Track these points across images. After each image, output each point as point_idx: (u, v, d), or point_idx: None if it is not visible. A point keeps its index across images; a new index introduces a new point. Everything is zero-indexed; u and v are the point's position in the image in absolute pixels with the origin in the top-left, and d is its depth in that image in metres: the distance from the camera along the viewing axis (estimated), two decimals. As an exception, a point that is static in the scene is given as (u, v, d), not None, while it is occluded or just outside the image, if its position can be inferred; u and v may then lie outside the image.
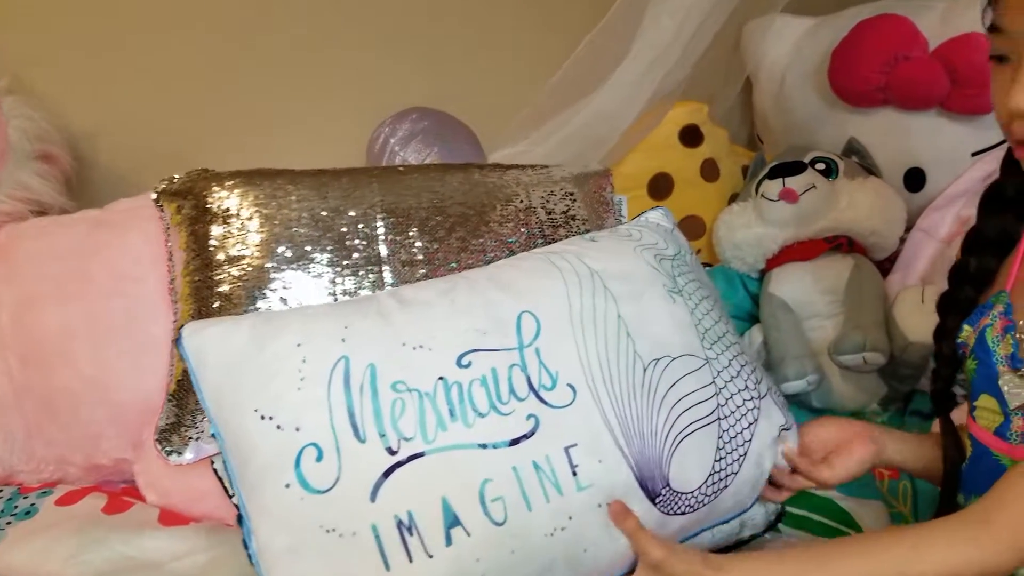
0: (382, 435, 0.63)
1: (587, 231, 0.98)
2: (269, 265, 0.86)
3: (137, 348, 0.94)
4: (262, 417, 0.64)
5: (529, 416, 0.66)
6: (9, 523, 0.89)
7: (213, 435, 0.67)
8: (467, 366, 0.66)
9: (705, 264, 1.48)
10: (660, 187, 1.46)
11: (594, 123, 1.19)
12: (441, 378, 0.65)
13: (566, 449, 0.66)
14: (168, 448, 0.80)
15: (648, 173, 1.45)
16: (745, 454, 0.75)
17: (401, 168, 0.98)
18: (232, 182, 0.92)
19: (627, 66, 1.17)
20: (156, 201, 0.95)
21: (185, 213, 0.92)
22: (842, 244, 1.29)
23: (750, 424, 0.75)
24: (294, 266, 0.86)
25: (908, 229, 1.37)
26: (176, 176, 0.96)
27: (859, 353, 1.15)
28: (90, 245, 0.97)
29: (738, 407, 0.75)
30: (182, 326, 0.68)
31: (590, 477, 0.66)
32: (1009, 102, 0.64)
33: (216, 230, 0.88)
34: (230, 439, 0.66)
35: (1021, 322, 0.74)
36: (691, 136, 1.47)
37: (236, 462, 0.66)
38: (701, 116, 1.49)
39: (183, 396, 0.82)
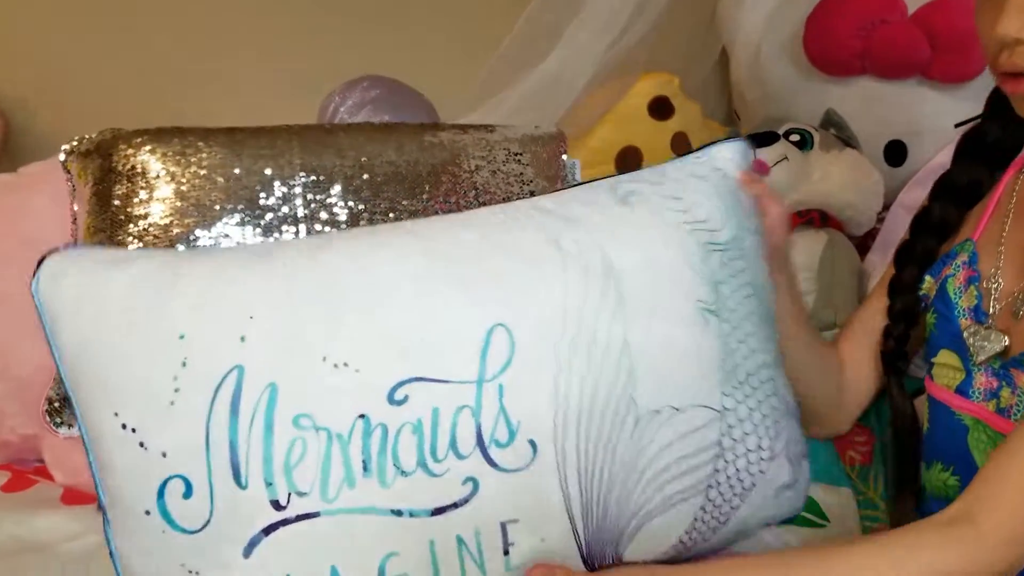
0: (269, 484, 0.50)
1: (531, 194, 0.91)
2: (173, 224, 0.79)
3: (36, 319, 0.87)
4: (123, 426, 0.51)
5: (467, 480, 0.52)
6: (-103, 502, 0.83)
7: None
8: (400, 402, 0.51)
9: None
10: (628, 161, 1.39)
11: (549, 87, 1.13)
12: (362, 416, 0.50)
13: (503, 524, 0.53)
14: (58, 420, 0.74)
15: (616, 146, 1.38)
16: (724, 522, 0.61)
17: (327, 126, 0.91)
18: (140, 139, 0.85)
19: (578, 25, 1.10)
20: (63, 162, 0.89)
21: (90, 173, 0.85)
22: (814, 218, 1.22)
23: (744, 490, 0.61)
24: (201, 227, 0.79)
25: (888, 206, 1.30)
26: (87, 136, 0.89)
27: (830, 331, 1.08)
28: (-6, 207, 0.91)
29: (737, 472, 0.60)
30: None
31: (524, 556, 0.54)
32: (996, 29, 0.61)
33: (119, 189, 0.82)
34: (88, 431, 0.54)
35: (992, 269, 0.69)
36: (661, 109, 1.41)
37: (95, 457, 0.54)
38: (672, 88, 1.42)
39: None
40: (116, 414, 0.51)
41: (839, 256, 1.19)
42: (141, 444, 0.51)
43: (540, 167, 0.96)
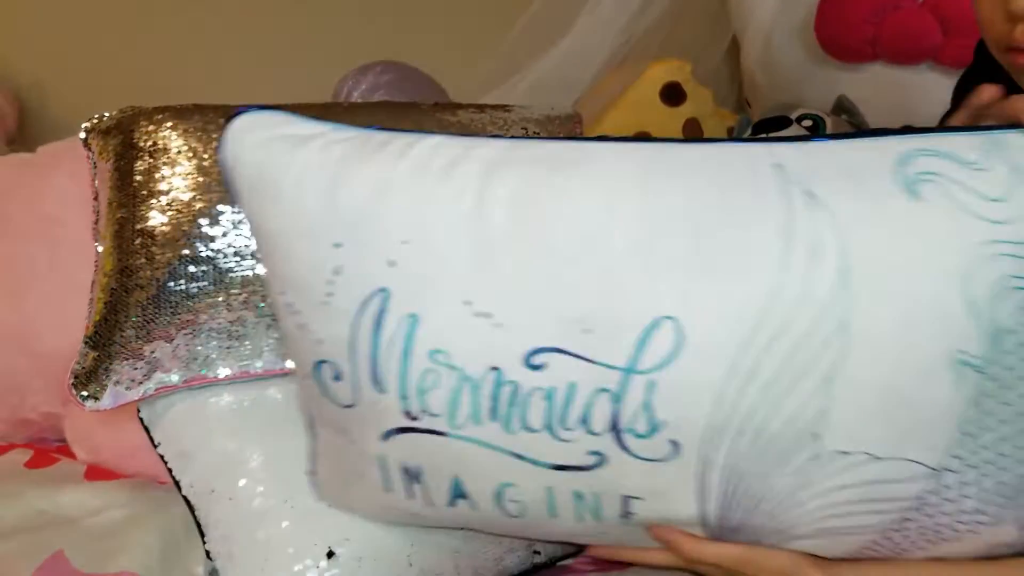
0: (403, 397, 0.51)
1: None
2: (197, 198, 0.79)
3: (62, 294, 0.88)
4: (287, 304, 0.55)
5: (594, 453, 0.49)
6: (-76, 477, 0.83)
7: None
8: (537, 367, 0.47)
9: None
10: (639, 147, 1.40)
11: (563, 66, 1.13)
12: (495, 368, 0.48)
13: (625, 497, 0.51)
14: (84, 394, 0.74)
15: (628, 131, 1.39)
16: (901, 554, 0.52)
17: (346, 104, 0.91)
18: (161, 116, 0.85)
19: (590, 10, 1.11)
20: (84, 140, 0.89)
21: (112, 149, 0.86)
22: (827, 203, 1.23)
23: (942, 540, 0.50)
24: (223, 202, 0.80)
25: (899, 192, 1.31)
26: (107, 114, 0.90)
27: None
28: (11, 185, 0.92)
29: (937, 526, 0.49)
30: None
31: (644, 520, 0.53)
32: (1013, 5, 0.62)
33: (141, 165, 0.82)
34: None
35: None
36: (673, 94, 1.41)
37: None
38: (684, 74, 1.43)
39: (103, 337, 0.76)
40: (282, 292, 0.56)
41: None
42: (300, 325, 0.54)
43: (557, 147, 0.96)
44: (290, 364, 0.78)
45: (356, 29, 1.36)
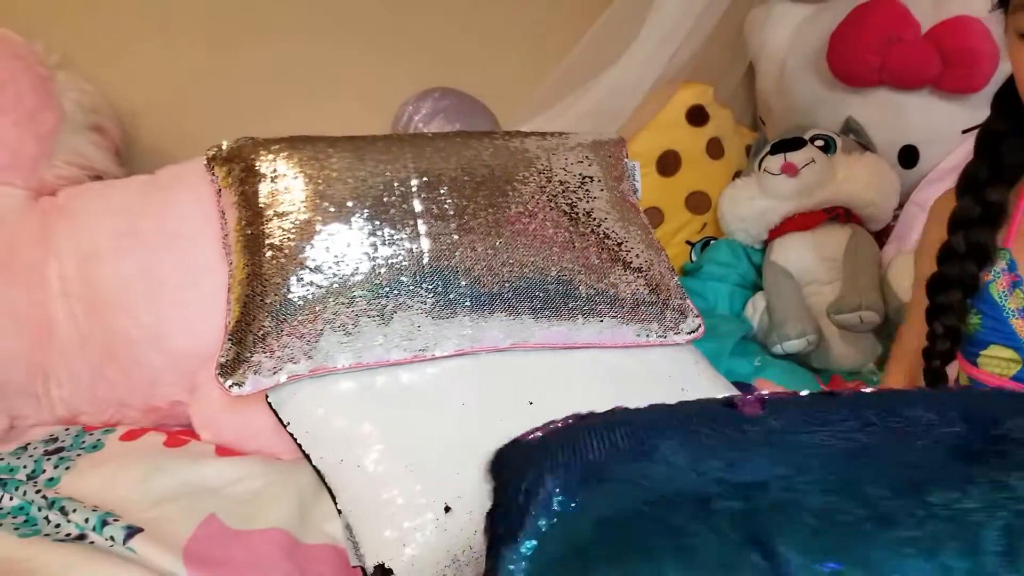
0: None
1: (601, 191, 1.06)
2: (315, 218, 0.94)
3: (191, 300, 1.02)
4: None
5: None
6: (79, 455, 0.97)
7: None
8: None
9: (711, 238, 1.56)
10: (668, 164, 1.54)
11: (608, 98, 1.27)
12: None
13: None
14: (229, 381, 0.88)
15: (657, 150, 1.53)
16: None
17: (429, 135, 1.06)
18: (277, 146, 1.00)
19: (637, 46, 1.25)
20: (208, 165, 1.04)
21: (235, 175, 1.00)
22: (840, 215, 1.38)
23: None
24: (337, 220, 0.94)
25: (902, 204, 1.45)
26: (224, 143, 1.04)
27: (855, 312, 1.23)
28: (141, 205, 1.06)
29: None
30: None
31: None
32: None
33: (264, 188, 0.97)
34: None
35: None
36: (697, 116, 1.55)
37: None
38: (707, 97, 1.57)
39: (241, 333, 0.90)
40: None
41: (862, 247, 1.34)
42: None
43: (607, 168, 1.11)
44: (394, 356, 0.93)
45: (415, 58, 1.50)
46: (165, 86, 1.41)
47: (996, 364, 0.83)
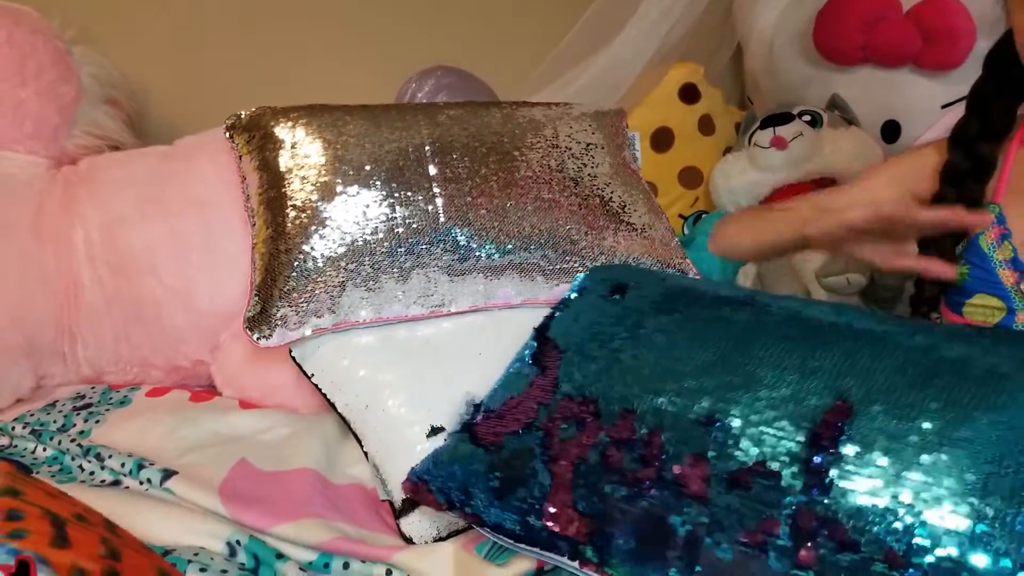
0: None
1: (605, 158, 1.12)
2: (335, 180, 0.98)
3: (214, 262, 1.06)
4: None
5: None
6: (108, 410, 1.01)
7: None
8: None
9: (703, 211, 1.63)
10: (662, 140, 1.60)
11: (604, 75, 1.33)
12: None
13: None
14: (257, 334, 0.92)
15: (651, 127, 1.59)
16: None
17: (441, 104, 1.11)
18: (296, 114, 1.05)
19: (634, 24, 1.31)
20: (227, 134, 1.08)
21: (255, 142, 1.04)
22: (827, 186, 1.44)
23: None
24: (357, 182, 0.99)
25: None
26: (242, 113, 1.08)
27: (842, 275, 1.30)
28: (164, 173, 1.10)
29: None
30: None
31: None
32: None
33: (285, 153, 1.01)
34: None
35: (1018, 232, 0.86)
36: (689, 94, 1.62)
37: None
38: (698, 76, 1.63)
39: (267, 289, 0.94)
40: None
41: (847, 216, 1.41)
42: None
43: (610, 137, 1.16)
44: (412, 311, 0.98)
45: (417, 36, 1.55)
46: (176, 62, 1.45)
47: (982, 312, 0.90)
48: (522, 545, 0.69)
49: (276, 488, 0.85)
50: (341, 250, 0.96)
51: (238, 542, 0.77)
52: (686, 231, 1.61)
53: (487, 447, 0.73)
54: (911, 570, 0.54)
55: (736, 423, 0.65)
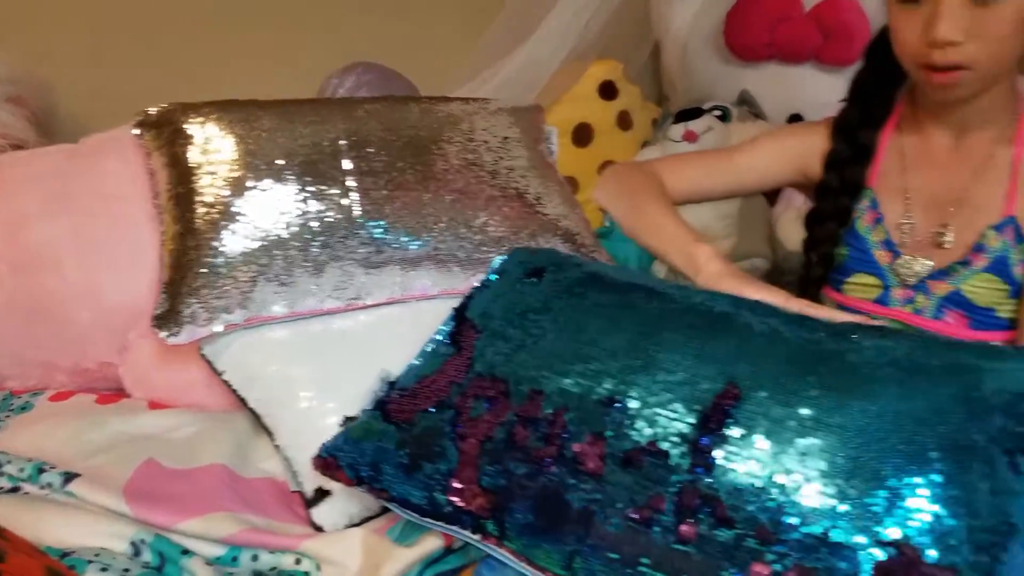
0: None
1: (521, 151, 1.14)
2: (246, 175, 0.98)
3: (122, 259, 1.04)
4: None
5: None
6: (8, 416, 0.98)
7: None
8: None
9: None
10: (582, 135, 1.64)
11: (523, 72, 1.35)
12: None
13: None
14: (165, 332, 0.91)
15: (571, 122, 1.63)
16: None
17: (358, 99, 1.11)
18: (207, 109, 1.03)
19: (550, 21, 1.34)
20: (136, 130, 1.06)
21: (165, 137, 1.03)
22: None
23: None
24: (268, 176, 0.98)
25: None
26: (152, 109, 1.06)
27: (748, 260, 1.35)
28: (70, 170, 1.07)
29: None
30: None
31: None
32: (936, 32, 0.77)
33: (195, 149, 1.00)
34: None
35: (899, 211, 0.92)
36: (608, 90, 1.66)
37: None
38: (617, 73, 1.68)
39: (176, 286, 0.93)
40: None
41: (754, 205, 1.47)
42: None
43: (527, 131, 1.18)
44: (328, 305, 0.98)
45: (337, 34, 1.54)
46: (85, 59, 1.42)
47: (860, 290, 0.96)
48: (428, 520, 0.70)
49: (183, 485, 0.83)
50: (253, 245, 0.95)
51: (143, 541, 0.76)
52: (606, 223, 1.65)
53: (398, 424, 0.75)
54: (778, 546, 0.58)
55: (634, 404, 0.68)
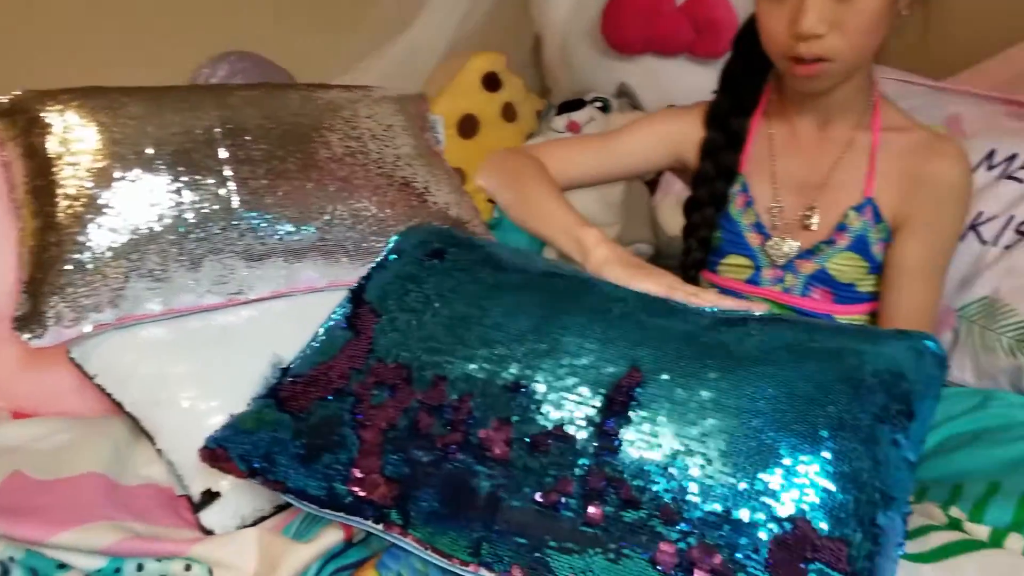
0: None
1: (407, 139, 1.13)
2: (113, 165, 0.92)
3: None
4: None
5: None
6: None
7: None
8: None
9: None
10: (467, 127, 1.64)
11: (405, 62, 1.34)
12: None
13: None
14: (27, 334, 0.84)
15: (456, 114, 1.63)
16: None
17: (232, 85, 1.07)
18: (66, 96, 0.96)
19: (430, 10, 1.33)
20: (-14, 120, 0.97)
21: (20, 127, 0.95)
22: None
23: None
24: (138, 166, 0.93)
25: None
26: (2, 97, 0.98)
27: (633, 245, 1.40)
28: (-91, 165, 0.97)
29: None
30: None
31: None
32: (801, 26, 0.80)
33: (53, 138, 0.93)
34: None
35: (769, 195, 0.97)
36: (491, 82, 1.67)
37: None
38: (500, 65, 1.69)
39: (37, 284, 0.86)
40: None
41: (636, 194, 1.52)
42: None
43: (411, 120, 1.17)
44: (207, 300, 0.94)
45: (209, 21, 1.47)
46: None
47: (734, 270, 1.00)
48: (328, 511, 0.68)
49: (56, 496, 0.78)
50: (122, 239, 0.90)
51: (11, 559, 0.71)
52: (495, 214, 1.66)
53: (294, 414, 0.72)
54: (682, 524, 0.60)
55: (540, 388, 0.67)
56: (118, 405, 0.88)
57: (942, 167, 0.91)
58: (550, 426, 0.66)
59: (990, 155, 1.11)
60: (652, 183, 1.63)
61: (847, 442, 0.61)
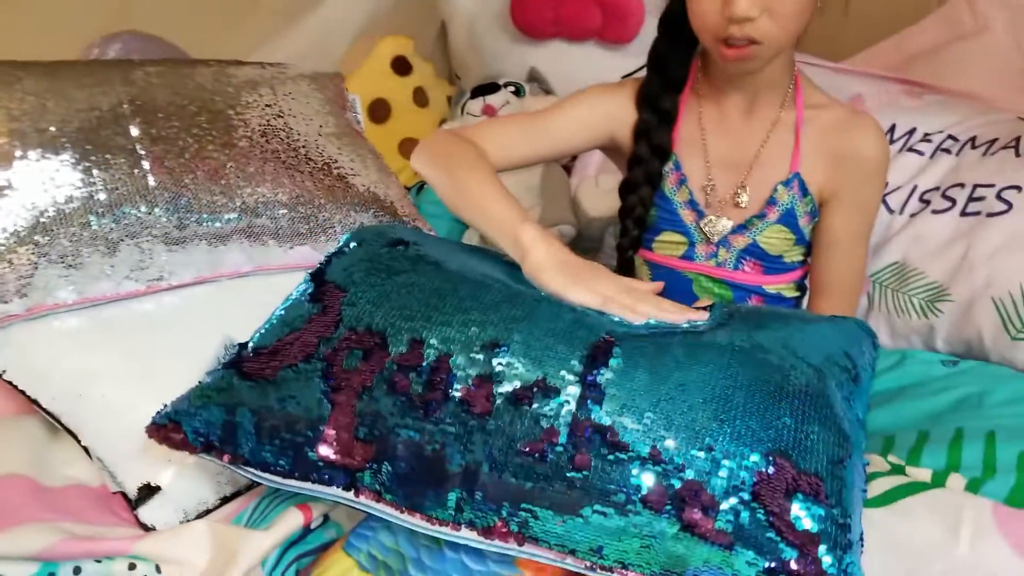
0: None
1: (328, 118, 1.09)
2: (13, 143, 0.84)
3: None
4: None
5: None
6: None
7: None
8: None
9: (424, 182, 1.66)
10: (379, 112, 1.61)
11: (314, 44, 1.29)
12: None
13: None
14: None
15: (367, 98, 1.59)
16: None
17: (137, 61, 1.00)
18: (-52, 69, 0.87)
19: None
20: None
21: None
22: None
23: None
24: (40, 145, 0.85)
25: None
26: None
27: (555, 227, 1.41)
28: None
29: None
30: None
31: None
32: (735, 9, 0.82)
33: (-62, 115, 0.84)
34: None
35: (701, 174, 0.99)
36: (401, 66, 1.64)
37: None
38: (409, 49, 1.66)
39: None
40: None
41: (554, 176, 1.54)
42: None
43: (331, 99, 1.14)
44: (126, 288, 0.87)
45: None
46: None
47: (668, 247, 1.03)
48: (291, 482, 0.65)
49: (-28, 504, 0.70)
50: (26, 223, 0.83)
51: (-75, 574, 0.63)
52: (412, 200, 1.64)
53: (259, 381, 0.68)
54: (668, 464, 0.62)
55: (520, 347, 0.67)
56: (34, 402, 0.80)
57: (865, 143, 0.96)
58: (532, 380, 0.66)
59: (891, 130, 1.19)
60: (567, 166, 1.65)
61: (814, 403, 0.65)
